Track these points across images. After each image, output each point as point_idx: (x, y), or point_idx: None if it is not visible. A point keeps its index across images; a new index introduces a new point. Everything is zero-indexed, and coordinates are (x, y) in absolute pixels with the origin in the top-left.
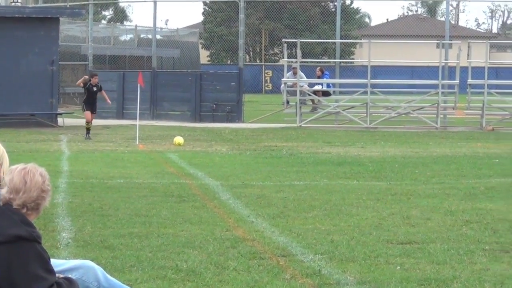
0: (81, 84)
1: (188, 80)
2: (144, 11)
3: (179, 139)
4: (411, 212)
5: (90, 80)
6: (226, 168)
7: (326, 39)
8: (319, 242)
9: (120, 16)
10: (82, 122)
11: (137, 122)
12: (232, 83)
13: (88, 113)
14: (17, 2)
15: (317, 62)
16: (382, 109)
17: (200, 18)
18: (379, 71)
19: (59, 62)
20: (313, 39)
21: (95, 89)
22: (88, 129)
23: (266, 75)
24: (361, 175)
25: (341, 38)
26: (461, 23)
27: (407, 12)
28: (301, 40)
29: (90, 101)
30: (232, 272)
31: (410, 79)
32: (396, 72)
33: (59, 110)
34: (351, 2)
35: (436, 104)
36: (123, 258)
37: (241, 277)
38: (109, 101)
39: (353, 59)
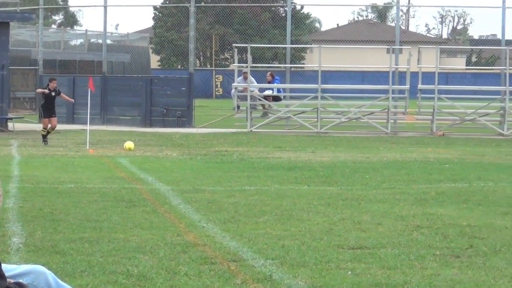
0: (42, 93)
1: (139, 85)
2: (94, 15)
3: (129, 144)
4: (362, 217)
5: (48, 85)
6: (176, 173)
7: (277, 44)
8: (270, 247)
9: (70, 20)
10: (32, 127)
11: (88, 127)
12: (182, 88)
13: (46, 120)
14: None
15: (268, 67)
16: (332, 114)
17: (150, 23)
18: (330, 76)
19: (9, 67)
20: (264, 44)
21: (53, 93)
22: (44, 135)
23: (216, 80)
24: (311, 180)
25: (291, 43)
26: (412, 28)
27: (358, 17)
28: (251, 45)
29: (50, 106)
30: (183, 277)
31: (361, 84)
32: (346, 77)
33: (9, 115)
34: (302, 7)
35: (387, 109)
36: (74, 263)
37: (192, 282)
38: (71, 99)
39: (303, 64)
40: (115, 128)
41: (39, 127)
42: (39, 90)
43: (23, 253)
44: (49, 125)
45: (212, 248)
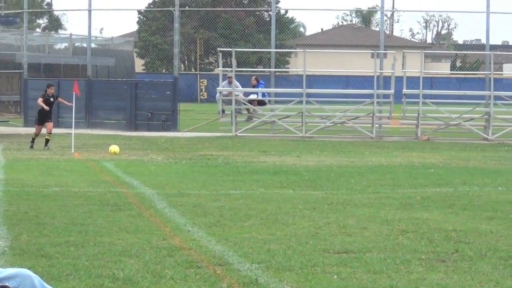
0: (43, 102)
1: (123, 88)
2: (78, 19)
3: (114, 148)
4: (348, 221)
5: (46, 91)
6: (162, 177)
7: (261, 48)
8: (256, 251)
9: (55, 24)
10: (17, 130)
11: (73, 131)
12: (167, 92)
13: (39, 127)
14: None
15: (252, 71)
16: (317, 119)
17: (135, 27)
18: (315, 80)
19: None
20: (248, 48)
21: (52, 99)
22: (33, 139)
23: (201, 84)
24: (297, 184)
25: (276, 48)
26: (396, 33)
27: (342, 22)
28: (236, 49)
29: (46, 112)
30: (169, 281)
31: (346, 88)
32: (331, 81)
33: None
34: (286, 12)
35: (371, 114)
36: (60, 266)
37: (178, 286)
38: (69, 103)
39: (288, 68)
40: (100, 132)
41: (24, 130)
42: (40, 102)
43: (8, 257)
44: (45, 130)
45: (198, 252)
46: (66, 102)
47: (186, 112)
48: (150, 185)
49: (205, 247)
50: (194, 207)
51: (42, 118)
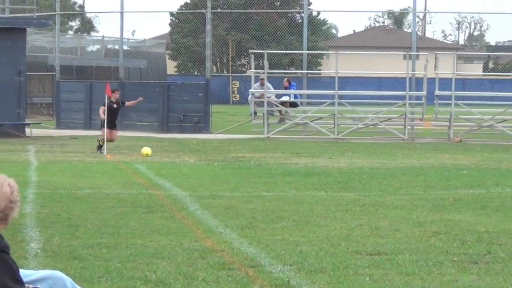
0: (103, 114)
1: (156, 90)
2: (111, 21)
3: (146, 150)
4: (380, 223)
5: (109, 97)
6: (194, 179)
7: (293, 50)
8: (288, 253)
9: (87, 26)
10: (49, 132)
11: (105, 132)
12: (199, 94)
13: (107, 130)
14: None
15: (284, 73)
16: (349, 120)
17: (167, 29)
18: (347, 82)
19: (26, 73)
20: (280, 50)
21: (115, 106)
22: (99, 146)
23: (233, 86)
24: (329, 186)
25: (308, 49)
26: (428, 34)
27: (374, 24)
28: (268, 51)
29: (111, 118)
30: (201, 283)
31: (378, 90)
32: (363, 83)
33: (26, 121)
34: (318, 13)
35: (404, 115)
36: (92, 268)
37: (210, 287)
38: (139, 98)
39: (320, 70)
40: (132, 134)
41: (56, 132)
42: (102, 114)
43: (41, 259)
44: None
45: (230, 254)
46: (135, 102)
47: (218, 114)
48: (182, 187)
49: (237, 249)
50: (226, 209)
51: (108, 122)
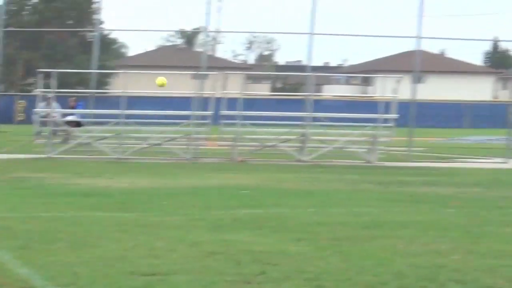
0: None
1: None
2: None
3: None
4: (157, 243)
5: None
6: None
7: (84, 69)
8: (62, 274)
9: None
10: None
11: None
12: None
13: None
14: None
15: (73, 92)
16: (134, 140)
17: None
18: (136, 101)
19: None
20: (71, 69)
21: None
22: None
23: (19, 105)
24: (108, 206)
25: (98, 68)
26: (219, 53)
27: (166, 43)
28: (56, 70)
29: None
30: None
31: (167, 109)
32: (153, 103)
33: None
34: (109, 33)
35: (189, 135)
36: None
37: None
38: None
39: (108, 89)
40: None
41: None
42: None
43: None
44: None
45: (2, 276)
46: None
47: (1, 133)
48: None
49: (10, 270)
50: (2, 230)
51: None
